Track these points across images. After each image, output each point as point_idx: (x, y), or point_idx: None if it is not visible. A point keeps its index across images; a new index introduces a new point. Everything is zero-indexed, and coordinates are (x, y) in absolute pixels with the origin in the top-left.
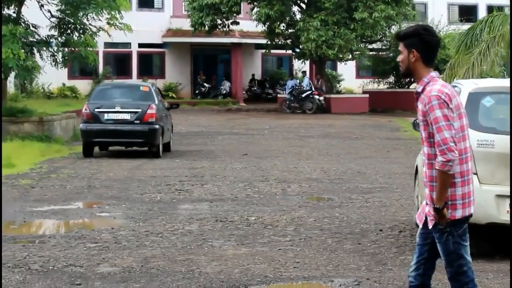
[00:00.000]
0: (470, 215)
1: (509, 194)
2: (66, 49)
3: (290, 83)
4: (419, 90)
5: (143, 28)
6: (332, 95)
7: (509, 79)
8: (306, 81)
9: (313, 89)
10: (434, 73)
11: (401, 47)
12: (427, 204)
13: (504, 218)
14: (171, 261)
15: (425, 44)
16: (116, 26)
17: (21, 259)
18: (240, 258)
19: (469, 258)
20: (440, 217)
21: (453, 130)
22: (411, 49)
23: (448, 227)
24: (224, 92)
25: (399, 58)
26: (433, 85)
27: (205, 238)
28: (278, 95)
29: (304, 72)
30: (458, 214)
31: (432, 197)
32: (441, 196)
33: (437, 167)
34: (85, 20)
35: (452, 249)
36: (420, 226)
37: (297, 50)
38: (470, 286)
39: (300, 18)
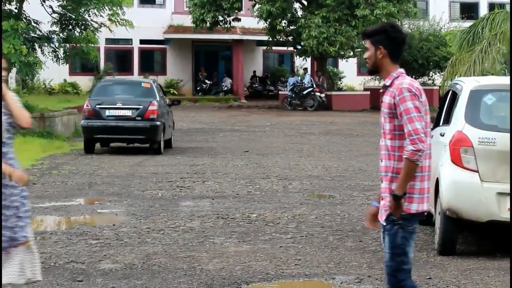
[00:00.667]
0: (423, 213)
1: (509, 191)
2: (67, 45)
3: (291, 80)
4: (387, 83)
5: (144, 25)
6: (334, 92)
7: (510, 76)
8: (307, 78)
9: (314, 86)
10: (402, 70)
11: (368, 44)
12: (382, 198)
13: (505, 216)
14: (173, 258)
15: (392, 41)
16: (117, 22)
17: None
18: (241, 255)
19: (410, 260)
20: (396, 207)
21: (423, 122)
22: (378, 46)
23: (400, 220)
24: (226, 88)
25: (366, 54)
26: (403, 79)
27: (206, 235)
28: (279, 92)
29: (305, 69)
30: (413, 208)
31: (391, 188)
32: (403, 184)
33: (406, 156)
34: (86, 16)
35: (399, 243)
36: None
37: (299, 47)
38: (407, 284)
39: (301, 15)
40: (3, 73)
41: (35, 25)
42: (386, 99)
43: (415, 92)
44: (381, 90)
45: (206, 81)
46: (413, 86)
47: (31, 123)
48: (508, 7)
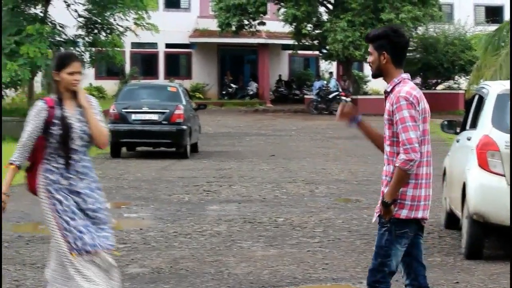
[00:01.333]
0: (417, 220)
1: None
2: (93, 49)
3: (317, 84)
4: (388, 89)
5: (170, 29)
6: (359, 96)
7: (510, 78)
8: (333, 82)
9: (340, 90)
10: (405, 75)
11: (370, 48)
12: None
13: None
14: (200, 262)
15: (395, 46)
16: (143, 27)
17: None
18: (269, 259)
19: (395, 263)
20: (386, 212)
21: (419, 131)
22: (381, 51)
23: (389, 224)
24: (251, 92)
25: (370, 59)
26: (403, 86)
27: (233, 239)
28: (305, 96)
29: (331, 73)
30: (403, 214)
31: (384, 192)
32: (392, 192)
33: (397, 164)
34: (112, 20)
35: (384, 245)
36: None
37: (324, 51)
38: (380, 286)
39: (327, 19)
40: (78, 77)
41: (60, 29)
42: (387, 105)
43: (412, 100)
44: (384, 94)
45: (232, 85)
46: (410, 95)
47: (107, 144)
48: None
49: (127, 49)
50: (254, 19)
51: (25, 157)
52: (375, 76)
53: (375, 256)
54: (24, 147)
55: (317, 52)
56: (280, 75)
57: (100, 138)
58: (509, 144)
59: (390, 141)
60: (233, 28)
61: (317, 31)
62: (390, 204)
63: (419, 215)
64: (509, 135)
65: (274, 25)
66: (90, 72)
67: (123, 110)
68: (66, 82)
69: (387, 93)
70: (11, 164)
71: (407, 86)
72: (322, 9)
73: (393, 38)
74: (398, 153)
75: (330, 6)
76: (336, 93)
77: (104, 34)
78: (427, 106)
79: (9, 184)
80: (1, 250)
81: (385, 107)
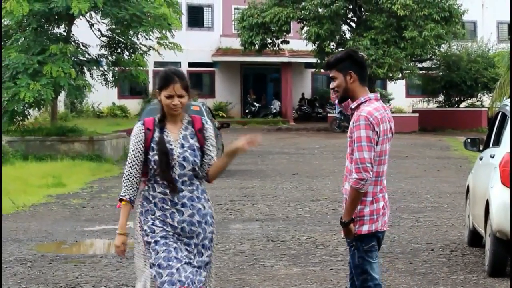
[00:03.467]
0: (378, 232)
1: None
2: (116, 68)
3: None
4: (353, 106)
5: (193, 47)
6: None
7: (510, 81)
8: None
9: None
10: (372, 95)
11: (334, 73)
12: None
13: None
14: (223, 281)
15: (359, 65)
16: (166, 46)
17: (73, 279)
18: (292, 278)
19: (375, 275)
20: (347, 232)
21: (373, 152)
22: (347, 72)
23: (354, 242)
24: (274, 111)
25: (334, 84)
26: (367, 106)
27: (256, 258)
28: (328, 114)
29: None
30: (365, 229)
31: None
32: (348, 212)
33: (350, 183)
34: (135, 39)
35: (357, 263)
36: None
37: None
38: None
39: (350, 37)
40: (176, 102)
41: (83, 48)
42: (350, 123)
43: (372, 121)
44: (350, 112)
45: (255, 103)
46: (371, 115)
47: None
48: None
49: (150, 68)
50: (277, 38)
51: (135, 188)
52: (342, 99)
53: (356, 276)
54: (128, 177)
55: None
56: (303, 94)
57: (218, 176)
58: None
59: (350, 158)
60: (256, 46)
61: (340, 49)
62: (347, 223)
63: (380, 227)
64: None
65: (297, 44)
66: (113, 91)
67: None
68: (164, 105)
69: (352, 110)
70: (121, 200)
71: (371, 107)
72: (345, 27)
73: (356, 57)
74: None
75: (353, 25)
76: None
77: (127, 53)
78: (388, 127)
79: (124, 223)
80: (1, 251)
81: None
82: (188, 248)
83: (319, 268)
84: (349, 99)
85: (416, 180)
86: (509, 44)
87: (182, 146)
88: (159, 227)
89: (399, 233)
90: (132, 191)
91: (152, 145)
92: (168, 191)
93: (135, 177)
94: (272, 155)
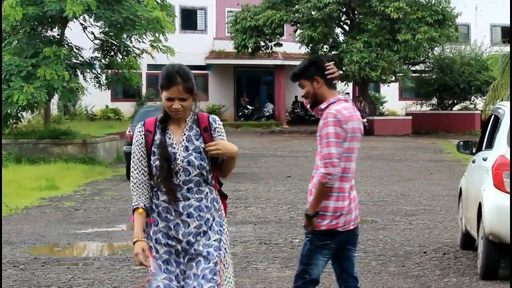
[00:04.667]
0: (338, 230)
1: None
2: (109, 71)
3: None
4: (323, 107)
5: (186, 50)
6: (375, 117)
7: (510, 81)
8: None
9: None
10: (341, 96)
11: (301, 81)
12: None
13: None
14: None
15: (324, 70)
16: (159, 49)
17: (66, 281)
18: (284, 280)
19: (316, 271)
20: (308, 224)
21: (341, 148)
22: (313, 78)
23: (311, 234)
24: (267, 114)
25: (303, 92)
26: (336, 105)
27: (249, 260)
28: None
29: (347, 94)
30: (324, 224)
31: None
32: (314, 204)
33: (318, 178)
34: (128, 42)
35: (305, 253)
36: None
37: (340, 72)
38: None
39: (343, 40)
40: (177, 106)
41: (77, 51)
42: (320, 122)
43: (340, 118)
44: (319, 112)
45: (248, 106)
46: (339, 112)
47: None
48: None
49: (144, 71)
50: (270, 41)
51: (147, 195)
52: (312, 105)
53: (299, 263)
54: (137, 184)
55: None
56: (296, 97)
57: (228, 173)
58: None
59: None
60: (250, 49)
61: (333, 52)
62: (312, 216)
63: (340, 226)
64: None
65: (291, 47)
66: (106, 94)
67: None
68: (165, 107)
69: (321, 111)
70: (134, 210)
71: (339, 105)
72: (338, 30)
73: (319, 63)
74: None
75: (347, 27)
76: None
77: (120, 56)
78: (358, 126)
79: (140, 231)
80: (1, 252)
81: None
82: (193, 270)
83: None
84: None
85: (409, 183)
86: (502, 47)
87: (186, 148)
88: (163, 244)
89: (392, 236)
90: (145, 198)
91: (153, 148)
92: (170, 200)
93: (144, 183)
94: (265, 158)
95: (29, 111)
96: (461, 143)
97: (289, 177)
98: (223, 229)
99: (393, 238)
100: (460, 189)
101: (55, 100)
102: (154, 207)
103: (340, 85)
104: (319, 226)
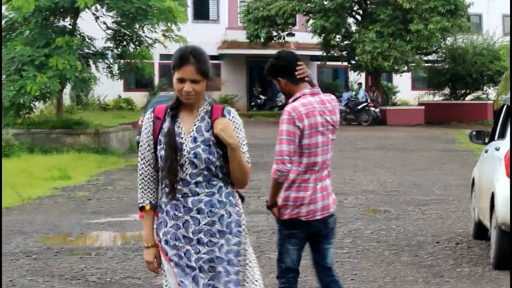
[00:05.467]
0: (300, 220)
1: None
2: (122, 61)
3: (345, 95)
4: (290, 101)
5: (198, 40)
6: (388, 107)
7: (510, 79)
8: (361, 93)
9: (369, 101)
10: (308, 90)
11: (274, 80)
12: None
13: None
14: None
15: (283, 69)
16: (171, 39)
17: (79, 271)
18: None
19: (289, 260)
20: (273, 214)
21: (293, 145)
22: (277, 79)
23: (278, 225)
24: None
25: (278, 86)
26: (296, 101)
27: (262, 250)
28: None
29: (359, 84)
30: (287, 213)
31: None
32: (271, 196)
33: (271, 172)
34: (140, 32)
35: (277, 243)
36: None
37: (353, 62)
38: (281, 280)
39: (355, 30)
40: (189, 88)
41: (89, 41)
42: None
43: (294, 115)
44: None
45: (261, 96)
46: (295, 110)
47: (248, 182)
48: None
49: (156, 61)
50: (282, 31)
51: (153, 189)
52: (289, 99)
53: (278, 252)
54: (143, 178)
55: (345, 63)
56: None
57: (242, 180)
58: None
59: None
60: (262, 39)
61: (345, 42)
62: (270, 207)
63: (302, 215)
64: None
65: (303, 36)
66: (119, 84)
67: None
68: (176, 90)
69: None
70: (141, 209)
71: (299, 102)
72: (350, 20)
73: (277, 63)
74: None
75: (359, 17)
76: (365, 104)
77: (132, 46)
78: (320, 120)
79: (150, 234)
80: (1, 252)
81: None
82: (205, 267)
83: None
84: None
85: (422, 173)
86: None
87: (195, 140)
88: (171, 247)
89: (405, 226)
90: (151, 194)
91: (160, 137)
92: (178, 196)
93: (150, 176)
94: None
95: (42, 101)
96: (474, 133)
97: None
98: (242, 229)
99: (406, 228)
100: (473, 179)
101: (67, 90)
102: (163, 206)
103: (353, 75)
104: (283, 215)
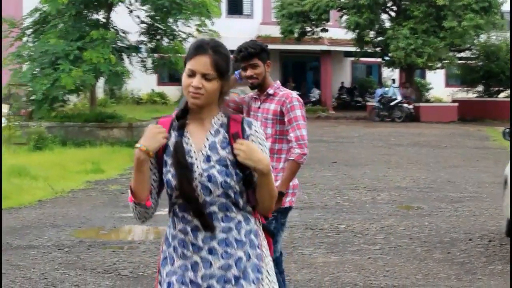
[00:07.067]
0: (291, 207)
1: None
2: (155, 55)
3: (379, 91)
4: (271, 92)
5: (232, 35)
6: (421, 104)
7: (510, 77)
8: (391, 90)
9: (402, 97)
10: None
11: (255, 61)
12: None
13: None
14: None
15: (269, 56)
16: (205, 33)
17: (111, 264)
18: (330, 266)
19: (279, 248)
20: (278, 202)
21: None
22: (265, 61)
23: (277, 212)
24: (314, 99)
25: (256, 71)
26: (285, 90)
27: (295, 245)
28: (367, 103)
29: (393, 80)
30: (287, 201)
31: None
32: (287, 183)
33: (292, 158)
34: (174, 26)
35: (274, 232)
36: None
37: (386, 58)
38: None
39: (389, 26)
40: (198, 83)
41: (123, 35)
42: (271, 106)
43: (301, 101)
44: (262, 97)
45: (295, 91)
46: (299, 98)
47: (273, 209)
48: None
49: None
50: (316, 26)
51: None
52: (256, 87)
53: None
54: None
55: (379, 59)
56: (342, 82)
57: (270, 207)
58: None
59: (273, 138)
60: (296, 35)
61: (379, 38)
62: (284, 194)
63: (294, 202)
64: None
65: (337, 32)
66: (152, 78)
67: None
68: (183, 89)
69: (267, 96)
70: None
71: (289, 91)
72: (384, 16)
73: (267, 49)
74: (279, 149)
75: (393, 14)
76: (398, 100)
77: (166, 40)
78: None
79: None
80: (1, 251)
81: (260, 109)
82: None
83: (357, 257)
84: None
85: (455, 170)
86: None
87: (208, 159)
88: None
89: (438, 223)
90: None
91: (165, 157)
92: (187, 229)
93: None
94: (311, 143)
95: (75, 94)
96: (507, 130)
97: (335, 162)
98: (262, 278)
99: (439, 225)
100: (506, 176)
101: (100, 83)
102: (171, 239)
103: (386, 71)
104: (284, 203)
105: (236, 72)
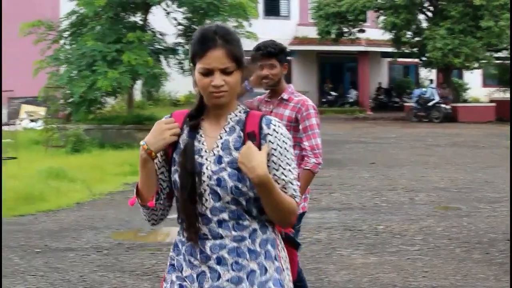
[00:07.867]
0: (304, 213)
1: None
2: None
3: (416, 91)
4: (285, 97)
5: (269, 36)
6: (459, 104)
7: (510, 75)
8: (429, 91)
9: (440, 98)
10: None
11: (273, 61)
12: None
13: None
14: None
15: (287, 58)
16: (242, 35)
17: (150, 266)
18: (368, 267)
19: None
20: None
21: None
22: (284, 63)
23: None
24: (351, 100)
25: (273, 71)
26: (300, 96)
27: (333, 246)
28: (405, 104)
29: (430, 81)
30: (305, 205)
31: None
32: (302, 192)
33: (308, 168)
34: None
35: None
36: None
37: (424, 58)
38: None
39: (426, 27)
40: (219, 81)
41: (160, 36)
42: (286, 112)
43: (317, 110)
44: (276, 101)
45: (332, 92)
46: (314, 105)
47: (294, 221)
48: None
49: None
50: (353, 27)
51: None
52: (269, 87)
53: None
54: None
55: (416, 60)
56: (380, 83)
57: (285, 221)
58: None
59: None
60: (333, 35)
61: (416, 39)
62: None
63: (306, 207)
64: None
65: (374, 33)
66: (189, 80)
67: None
68: (200, 89)
69: (281, 101)
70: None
71: (306, 98)
72: (421, 16)
73: (286, 51)
74: (295, 156)
75: (430, 14)
76: (436, 100)
77: None
78: None
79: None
80: (1, 250)
81: (272, 113)
82: None
83: (396, 258)
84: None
85: (493, 170)
86: None
87: (219, 160)
88: None
89: (476, 223)
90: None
91: (174, 155)
92: (194, 236)
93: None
94: (348, 144)
95: (113, 96)
96: None
97: (373, 163)
98: None
99: (477, 225)
100: None
101: (138, 85)
102: (180, 246)
103: (423, 72)
104: (303, 209)
105: (245, 82)
